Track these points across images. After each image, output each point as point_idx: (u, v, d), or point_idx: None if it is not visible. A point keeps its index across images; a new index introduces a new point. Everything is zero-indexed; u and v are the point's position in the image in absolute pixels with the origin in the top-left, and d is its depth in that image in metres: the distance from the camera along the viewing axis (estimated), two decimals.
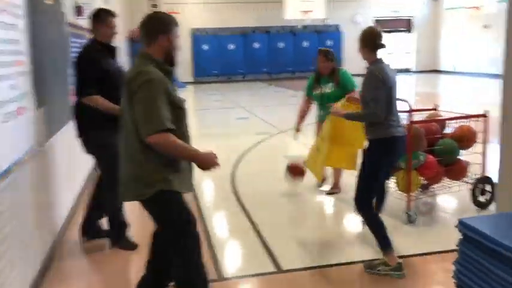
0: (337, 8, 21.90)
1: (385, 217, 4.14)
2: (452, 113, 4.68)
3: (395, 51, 23.87)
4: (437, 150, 4.32)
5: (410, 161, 4.12)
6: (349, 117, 3.58)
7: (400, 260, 3.37)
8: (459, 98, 13.41)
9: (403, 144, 3.50)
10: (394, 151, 3.41)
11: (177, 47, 2.52)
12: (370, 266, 3.45)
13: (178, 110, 2.42)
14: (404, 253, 3.60)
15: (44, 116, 3.64)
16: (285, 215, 4.78)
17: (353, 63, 23.26)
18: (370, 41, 3.41)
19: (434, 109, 4.89)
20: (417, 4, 23.26)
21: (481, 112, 4.46)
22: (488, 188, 4.50)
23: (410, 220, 4.21)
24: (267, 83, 20.41)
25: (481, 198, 4.50)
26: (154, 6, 18.63)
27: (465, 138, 4.42)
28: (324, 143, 4.20)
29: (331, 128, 4.11)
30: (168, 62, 2.48)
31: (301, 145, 7.54)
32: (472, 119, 4.48)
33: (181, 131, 2.42)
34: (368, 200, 3.44)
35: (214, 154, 2.48)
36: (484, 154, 4.49)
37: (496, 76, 19.13)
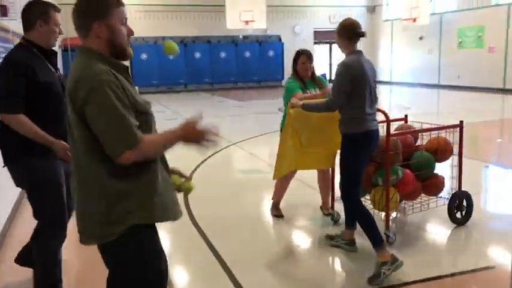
0: (277, 19, 21.90)
1: (360, 239, 3.83)
2: (422, 123, 4.44)
3: (334, 62, 24.22)
4: (415, 164, 4.04)
5: (389, 177, 3.80)
6: (307, 107, 3.67)
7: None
8: (405, 108, 13.60)
9: (377, 137, 3.54)
10: (370, 144, 3.48)
11: (123, 34, 1.90)
12: (330, 237, 3.89)
13: (144, 116, 1.88)
14: (384, 284, 3.24)
15: None
16: (256, 243, 4.23)
17: None
18: (349, 30, 3.41)
19: (405, 119, 4.63)
20: (356, 16, 23.73)
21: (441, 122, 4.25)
22: (464, 203, 4.28)
23: (389, 241, 3.88)
24: (210, 93, 19.91)
25: (458, 214, 4.27)
26: None
27: (440, 151, 4.18)
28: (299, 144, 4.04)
29: (308, 127, 4.00)
30: (117, 55, 1.90)
31: (254, 157, 7.20)
32: (447, 129, 4.25)
33: None
34: (356, 192, 3.49)
35: (192, 121, 1.87)
36: (459, 167, 4.27)
37: (431, 86, 19.86)
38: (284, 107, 4.32)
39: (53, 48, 2.98)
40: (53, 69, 2.92)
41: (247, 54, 22.02)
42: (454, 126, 4.20)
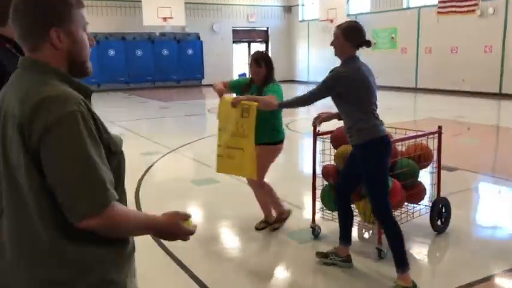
0: (196, 16, 21.35)
1: (351, 254, 3.60)
2: (396, 129, 4.33)
3: None
4: (402, 173, 3.88)
5: None
6: (283, 105, 3.58)
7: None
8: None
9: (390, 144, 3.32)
10: (390, 148, 3.26)
11: (86, 44, 1.44)
12: (323, 255, 3.60)
13: (117, 157, 1.44)
14: None
15: None
16: (236, 267, 3.87)
17: (212, 72, 23.25)
18: (357, 36, 3.19)
19: None
20: (273, 15, 23.87)
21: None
22: (443, 210, 4.22)
23: (381, 256, 3.69)
24: (126, 93, 18.84)
25: (438, 222, 4.20)
26: None
27: (424, 158, 4.07)
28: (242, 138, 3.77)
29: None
30: (75, 71, 1.42)
31: (202, 165, 6.70)
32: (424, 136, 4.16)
33: (120, 190, 1.43)
34: (388, 206, 3.21)
35: (183, 215, 1.51)
36: (438, 173, 4.20)
37: None
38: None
39: None
40: None
41: (165, 52, 21.19)
42: (433, 133, 4.11)
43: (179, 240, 1.51)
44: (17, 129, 1.26)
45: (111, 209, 1.29)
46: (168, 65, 21.17)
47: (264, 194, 4.29)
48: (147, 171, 6.58)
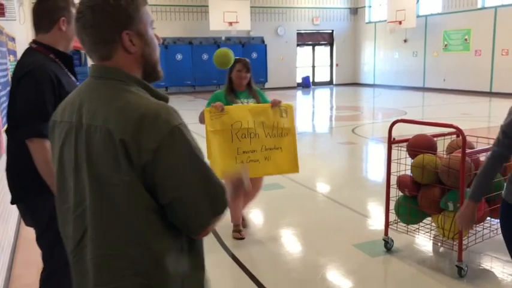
0: (260, 20, 21.43)
1: (427, 270, 3.38)
2: (478, 137, 4.03)
3: (317, 64, 23.99)
4: None
5: (463, 200, 3.34)
6: (476, 196, 2.44)
7: None
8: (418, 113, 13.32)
9: None
10: None
11: (156, 45, 1.37)
12: None
13: None
14: None
15: None
16: (302, 279, 3.76)
17: (276, 75, 23.26)
18: None
19: (458, 133, 4.19)
20: (339, 18, 23.50)
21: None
22: None
23: (460, 274, 3.43)
24: (192, 96, 19.25)
25: None
26: None
27: (510, 169, 3.74)
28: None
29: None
30: (148, 76, 1.35)
31: None
32: None
33: None
34: None
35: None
36: None
37: (415, 89, 19.76)
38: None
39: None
40: (73, 78, 2.34)
41: None
42: None
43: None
44: (117, 146, 1.19)
45: None
46: None
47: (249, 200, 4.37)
48: None
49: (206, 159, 1.27)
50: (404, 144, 3.90)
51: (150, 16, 1.35)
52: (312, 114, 14.63)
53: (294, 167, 4.07)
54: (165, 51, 20.28)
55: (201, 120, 4.06)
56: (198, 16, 20.23)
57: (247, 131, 3.98)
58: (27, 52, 2.26)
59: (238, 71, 4.12)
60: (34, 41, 2.27)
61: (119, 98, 1.24)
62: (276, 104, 4.09)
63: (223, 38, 21.10)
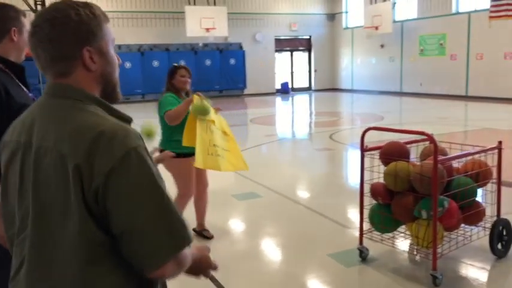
0: (238, 26, 21.38)
1: (402, 280, 3.33)
2: (451, 143, 4.01)
3: (295, 70, 24.04)
4: (458, 192, 3.56)
5: (436, 209, 3.30)
6: None
7: None
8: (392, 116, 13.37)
9: None
10: None
11: (116, 63, 1.30)
12: None
13: None
14: None
15: None
16: None
17: (255, 81, 23.17)
18: None
19: (430, 139, 4.15)
20: (315, 24, 23.61)
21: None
22: (504, 232, 3.85)
23: (435, 283, 3.37)
24: None
25: (499, 246, 3.84)
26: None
27: (482, 176, 3.73)
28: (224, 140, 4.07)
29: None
30: (108, 98, 1.27)
31: (242, 178, 6.44)
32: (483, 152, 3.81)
33: None
34: None
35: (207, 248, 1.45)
36: (498, 192, 3.84)
37: (393, 93, 19.94)
38: (160, 123, 4.10)
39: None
40: (25, 89, 2.21)
41: (208, 62, 21.34)
42: (493, 149, 3.77)
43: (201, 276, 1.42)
44: (72, 171, 1.08)
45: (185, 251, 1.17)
46: (211, 75, 21.28)
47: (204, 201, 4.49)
48: None
49: (167, 190, 1.15)
50: (378, 151, 3.86)
51: (111, 34, 1.28)
52: (290, 120, 14.61)
53: (244, 165, 4.21)
54: (141, 58, 20.09)
55: (176, 117, 4.00)
56: (174, 22, 20.09)
57: (215, 126, 4.02)
58: None
59: (182, 76, 4.26)
60: None
61: (74, 117, 1.15)
62: (219, 110, 4.24)
63: (200, 45, 20.98)
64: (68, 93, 1.19)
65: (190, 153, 3.92)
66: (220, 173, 7.20)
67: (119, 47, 19.78)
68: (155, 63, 20.33)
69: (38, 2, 15.72)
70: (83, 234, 1.09)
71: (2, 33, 2.11)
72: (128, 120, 1.25)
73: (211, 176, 7.22)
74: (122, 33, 19.52)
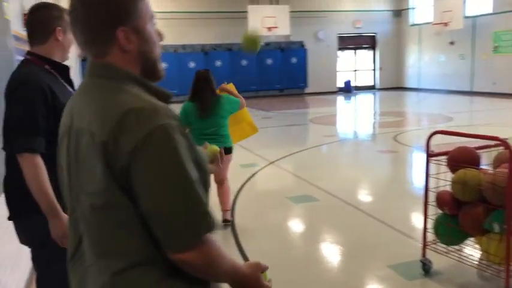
0: (300, 25, 21.13)
1: None
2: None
3: (359, 68, 23.48)
4: None
5: (510, 222, 2.99)
6: None
7: None
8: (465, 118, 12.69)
9: None
10: None
11: (155, 40, 1.24)
12: None
13: (203, 176, 1.18)
14: None
15: None
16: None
17: (316, 80, 22.96)
18: None
19: (505, 145, 3.79)
20: (380, 21, 22.90)
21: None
22: None
23: None
24: None
25: None
26: None
27: None
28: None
29: None
30: (147, 74, 1.23)
31: (300, 180, 6.27)
32: None
33: None
34: None
35: (263, 267, 1.30)
36: None
37: (462, 93, 18.91)
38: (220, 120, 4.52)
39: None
40: (70, 88, 2.21)
41: (269, 61, 21.30)
42: None
43: None
44: (98, 149, 1.08)
45: (209, 242, 1.14)
46: (272, 74, 21.24)
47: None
48: (244, 184, 6.42)
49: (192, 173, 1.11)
50: (445, 157, 3.56)
51: (149, 10, 1.22)
52: (352, 120, 14.22)
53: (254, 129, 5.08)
54: (204, 57, 20.41)
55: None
56: (236, 22, 20.17)
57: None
58: (21, 64, 2.16)
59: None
60: (29, 53, 2.17)
61: (107, 97, 1.13)
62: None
63: (262, 43, 20.95)
64: (104, 73, 1.18)
65: None
66: (276, 174, 7.13)
67: (183, 47, 20.24)
68: (218, 63, 20.56)
69: None
70: (116, 211, 1.10)
71: (46, 33, 2.12)
72: (166, 96, 1.22)
73: (267, 177, 7.14)
74: (186, 33, 19.94)
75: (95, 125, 1.10)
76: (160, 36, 1.25)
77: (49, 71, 2.12)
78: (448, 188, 3.44)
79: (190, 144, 1.13)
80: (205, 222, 1.12)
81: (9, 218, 2.17)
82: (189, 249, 1.11)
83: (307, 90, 21.85)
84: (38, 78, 2.02)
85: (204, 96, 4.40)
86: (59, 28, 2.12)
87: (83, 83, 1.23)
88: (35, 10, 2.13)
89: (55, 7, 2.17)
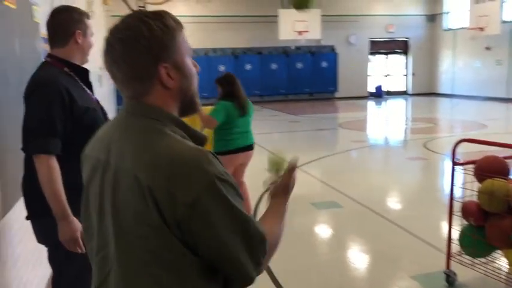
0: (331, 29, 20.99)
1: None
2: None
3: (390, 73, 23.14)
4: None
5: None
6: None
7: None
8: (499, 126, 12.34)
9: None
10: None
11: (194, 74, 1.21)
12: None
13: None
14: None
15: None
16: None
17: (347, 84, 22.73)
18: None
19: None
20: (413, 25, 22.51)
21: None
22: None
23: None
24: (259, 106, 19.21)
25: None
26: (142, 7, 16.67)
27: None
28: None
29: None
30: (184, 110, 1.21)
31: (325, 186, 6.19)
32: None
33: None
34: None
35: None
36: None
37: (498, 99, 18.35)
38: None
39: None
40: (89, 91, 2.24)
41: (299, 65, 21.24)
42: None
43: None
44: (146, 196, 1.05)
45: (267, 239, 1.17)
46: (302, 77, 21.17)
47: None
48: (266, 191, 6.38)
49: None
50: (472, 166, 3.45)
51: (186, 44, 1.19)
52: (382, 125, 14.00)
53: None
54: (235, 61, 20.51)
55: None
56: (266, 26, 20.21)
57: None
58: (41, 66, 2.21)
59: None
60: (49, 55, 2.22)
61: (152, 141, 1.10)
62: None
63: (292, 47, 20.92)
64: (146, 113, 1.14)
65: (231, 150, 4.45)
66: (302, 179, 7.05)
67: (214, 50, 20.40)
68: (248, 67, 20.63)
69: (140, 7, 16.60)
70: (167, 254, 1.07)
71: (66, 36, 2.15)
72: (202, 139, 1.20)
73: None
74: (217, 37, 20.10)
75: (142, 172, 1.06)
76: (196, 67, 1.22)
77: (68, 74, 2.17)
78: (475, 198, 3.33)
79: (231, 183, 1.11)
80: (265, 247, 1.15)
81: (27, 218, 2.22)
82: (258, 269, 1.16)
83: (337, 94, 21.67)
84: (56, 81, 2.06)
85: (242, 97, 4.63)
86: (79, 31, 2.17)
87: (121, 120, 1.20)
88: (56, 13, 2.18)
89: (76, 10, 2.21)
